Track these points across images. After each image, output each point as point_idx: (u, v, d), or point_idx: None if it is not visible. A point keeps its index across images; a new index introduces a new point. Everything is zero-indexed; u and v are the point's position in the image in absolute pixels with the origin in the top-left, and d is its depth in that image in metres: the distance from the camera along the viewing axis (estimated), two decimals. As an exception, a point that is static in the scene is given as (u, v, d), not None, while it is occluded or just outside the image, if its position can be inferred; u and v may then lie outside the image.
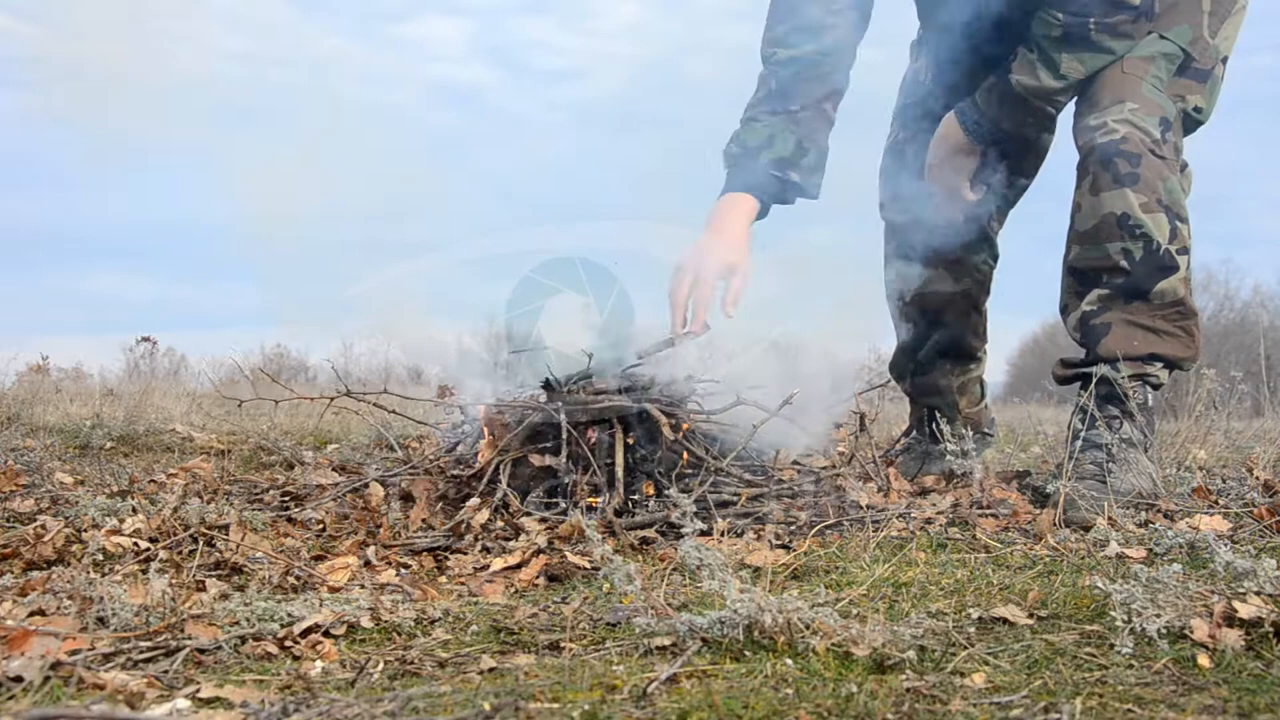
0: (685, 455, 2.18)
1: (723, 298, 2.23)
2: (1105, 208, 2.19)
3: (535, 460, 2.16)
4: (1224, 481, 2.54)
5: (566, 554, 1.81)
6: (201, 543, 1.78)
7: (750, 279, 2.26)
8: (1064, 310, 2.37)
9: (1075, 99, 2.35)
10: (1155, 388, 2.28)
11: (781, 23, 2.40)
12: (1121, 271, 2.21)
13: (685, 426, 2.20)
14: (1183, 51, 2.29)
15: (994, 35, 2.36)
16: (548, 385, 2.26)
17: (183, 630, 1.31)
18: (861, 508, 2.08)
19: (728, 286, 2.23)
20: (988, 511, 2.08)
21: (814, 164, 2.39)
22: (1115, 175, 2.18)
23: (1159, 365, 2.26)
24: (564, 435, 2.11)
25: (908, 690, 1.09)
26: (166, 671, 1.19)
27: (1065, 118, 2.45)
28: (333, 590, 1.57)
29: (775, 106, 2.36)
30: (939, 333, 2.70)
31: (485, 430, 2.28)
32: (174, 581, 1.57)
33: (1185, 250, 2.21)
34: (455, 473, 2.25)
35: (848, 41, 2.41)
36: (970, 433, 2.42)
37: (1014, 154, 2.55)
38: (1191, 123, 2.34)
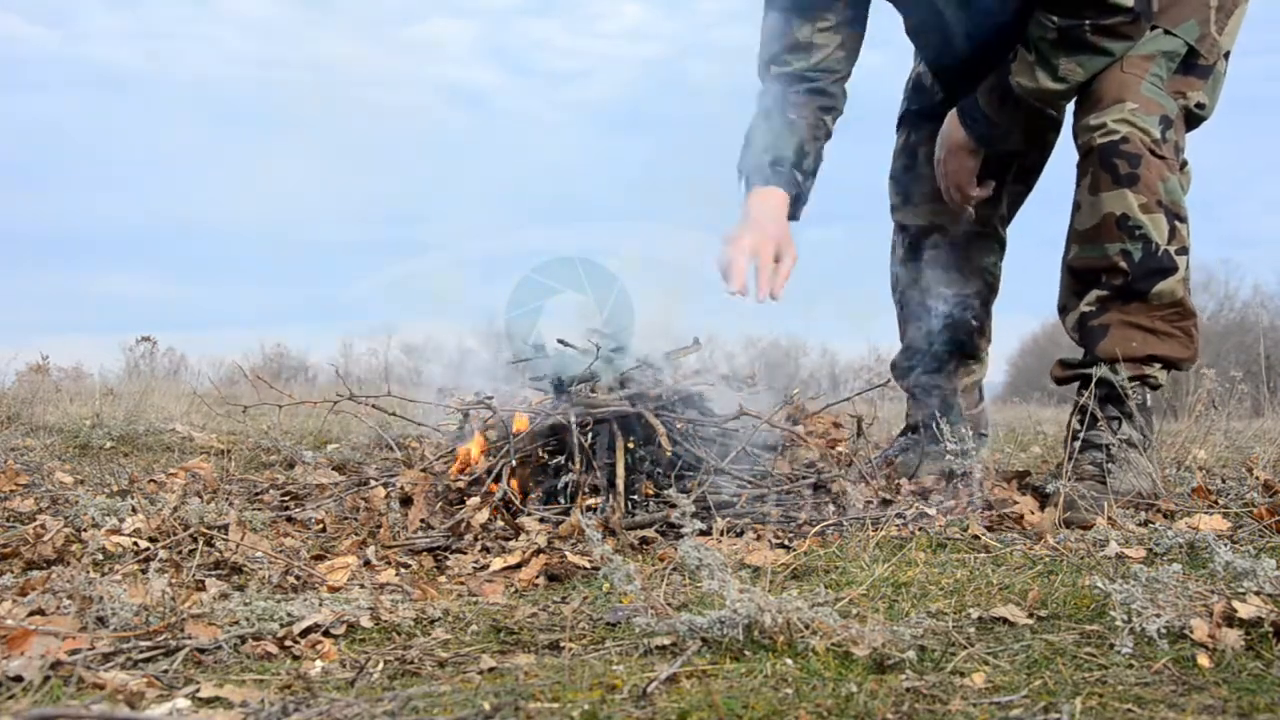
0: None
1: (772, 279, 2.24)
2: (1105, 208, 2.20)
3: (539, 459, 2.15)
4: (1224, 481, 2.53)
5: (566, 554, 1.81)
6: (201, 542, 1.78)
7: (797, 264, 2.29)
8: (1062, 310, 2.37)
9: (1075, 99, 2.33)
10: (1154, 388, 2.28)
11: (773, 42, 2.46)
12: (1120, 272, 2.21)
13: (660, 431, 2.17)
14: (1188, 47, 2.27)
15: (990, 35, 2.34)
16: (555, 388, 2.26)
17: (182, 630, 1.31)
18: (861, 507, 2.08)
19: (777, 268, 2.25)
20: (993, 512, 2.08)
21: (812, 169, 2.43)
22: (1115, 176, 2.18)
23: (1157, 366, 2.26)
24: (575, 440, 2.11)
25: (908, 690, 1.09)
26: (166, 671, 1.19)
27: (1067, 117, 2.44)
28: (332, 590, 1.57)
29: (773, 118, 2.41)
30: (948, 333, 2.69)
31: (480, 436, 2.28)
32: (174, 581, 1.57)
33: (1184, 250, 2.21)
34: (458, 485, 2.23)
35: (840, 59, 2.46)
36: (969, 433, 2.41)
37: (1017, 152, 2.54)
38: (1194, 119, 2.33)
